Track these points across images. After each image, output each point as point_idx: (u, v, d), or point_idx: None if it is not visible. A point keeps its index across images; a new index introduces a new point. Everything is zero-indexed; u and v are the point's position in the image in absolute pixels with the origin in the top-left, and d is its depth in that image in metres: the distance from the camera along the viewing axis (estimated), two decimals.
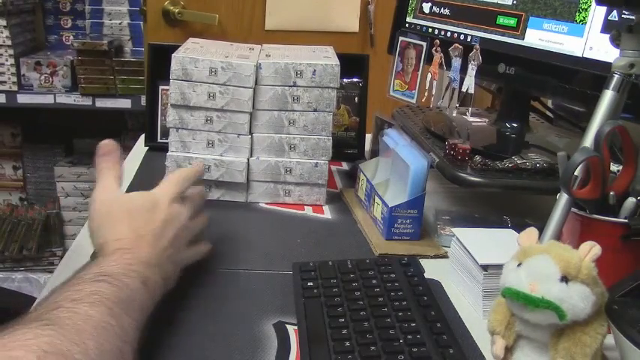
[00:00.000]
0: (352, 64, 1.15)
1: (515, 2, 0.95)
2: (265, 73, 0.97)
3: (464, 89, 0.99)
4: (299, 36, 1.67)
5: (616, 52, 0.69)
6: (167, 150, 1.00)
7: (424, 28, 1.12)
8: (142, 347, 0.63)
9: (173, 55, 0.97)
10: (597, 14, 0.83)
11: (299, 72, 0.97)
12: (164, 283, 0.66)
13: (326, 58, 1.01)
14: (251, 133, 0.99)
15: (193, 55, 0.96)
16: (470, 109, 1.06)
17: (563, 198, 0.65)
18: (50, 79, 2.29)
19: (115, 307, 0.55)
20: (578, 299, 0.54)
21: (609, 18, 0.81)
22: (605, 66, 0.70)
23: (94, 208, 0.70)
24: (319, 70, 0.97)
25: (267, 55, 1.01)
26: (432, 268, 0.81)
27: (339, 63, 0.98)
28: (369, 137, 1.22)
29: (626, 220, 0.65)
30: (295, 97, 0.98)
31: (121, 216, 0.69)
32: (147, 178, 1.09)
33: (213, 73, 0.96)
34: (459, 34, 1.04)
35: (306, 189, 1.02)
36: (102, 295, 0.55)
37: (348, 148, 1.22)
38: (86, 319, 0.52)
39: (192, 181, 0.79)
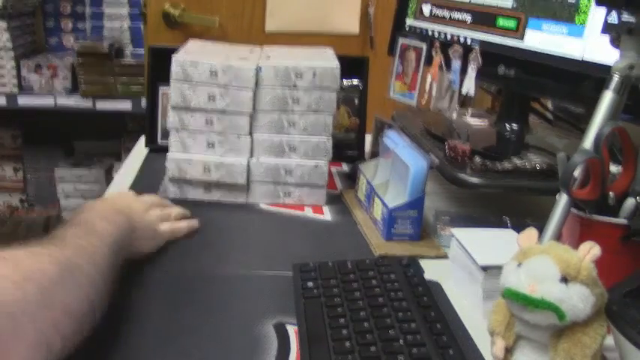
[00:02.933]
0: (352, 66, 1.15)
1: (514, 4, 0.95)
2: (265, 75, 0.97)
3: (464, 91, 0.99)
4: (299, 38, 1.67)
5: (616, 53, 0.69)
6: (167, 151, 1.00)
7: (424, 30, 1.12)
8: (143, 348, 0.63)
9: (173, 57, 0.97)
10: (597, 16, 0.83)
11: (299, 74, 0.97)
12: (128, 221, 0.76)
13: (326, 60, 1.01)
14: (251, 134, 1.00)
15: (194, 57, 0.97)
16: (470, 110, 1.06)
17: (562, 199, 0.65)
18: (51, 81, 2.29)
19: (84, 236, 0.66)
20: (577, 300, 0.54)
21: (609, 19, 0.81)
22: (605, 67, 0.70)
23: None
24: (319, 72, 0.97)
25: (267, 57, 1.01)
26: (431, 269, 0.81)
27: (339, 65, 0.98)
28: (369, 138, 1.22)
29: (626, 221, 0.65)
30: (295, 99, 0.98)
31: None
32: (147, 179, 1.09)
33: (213, 75, 0.96)
34: (459, 36, 1.04)
35: (306, 190, 1.02)
36: (72, 232, 0.66)
37: (348, 150, 1.22)
38: (63, 241, 0.62)
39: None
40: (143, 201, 0.87)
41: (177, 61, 0.96)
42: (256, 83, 0.97)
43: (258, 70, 0.97)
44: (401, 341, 0.62)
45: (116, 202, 0.81)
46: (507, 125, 1.04)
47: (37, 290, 0.52)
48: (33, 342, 0.51)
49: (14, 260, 0.53)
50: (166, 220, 0.87)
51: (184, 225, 0.89)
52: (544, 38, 0.90)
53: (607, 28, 0.80)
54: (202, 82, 0.96)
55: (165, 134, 1.07)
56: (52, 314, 0.54)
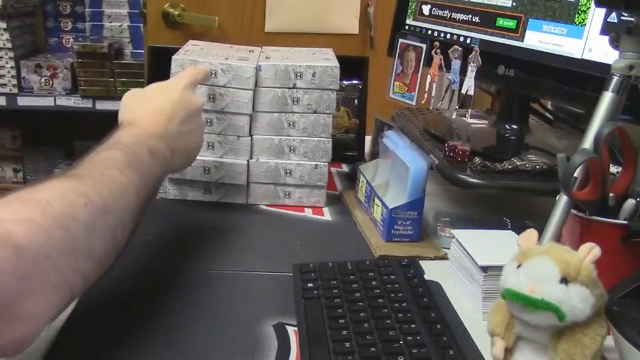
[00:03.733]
0: (352, 66, 1.15)
1: (514, 4, 0.95)
2: (265, 75, 0.97)
3: (463, 91, 0.99)
4: (299, 38, 1.68)
5: (615, 53, 0.69)
6: None
7: (424, 30, 1.12)
8: (142, 348, 0.63)
9: (173, 57, 0.97)
10: (596, 16, 0.83)
11: (299, 74, 0.97)
12: (171, 155, 0.76)
13: (326, 60, 1.01)
14: (251, 135, 0.99)
15: (193, 57, 0.97)
16: (469, 110, 1.06)
17: (562, 199, 0.65)
18: (50, 81, 2.29)
19: (125, 169, 0.66)
20: (577, 300, 0.54)
21: (608, 20, 0.81)
22: (605, 68, 0.70)
23: (122, 101, 0.83)
24: (319, 72, 0.97)
25: (266, 57, 1.01)
26: (431, 270, 0.81)
27: (338, 65, 0.98)
28: (368, 139, 1.22)
29: (626, 222, 0.65)
30: (295, 99, 0.98)
31: (137, 100, 0.82)
32: None
33: (213, 75, 0.96)
34: (459, 36, 1.04)
35: (306, 191, 1.02)
36: (115, 160, 0.66)
37: (348, 150, 1.22)
38: (102, 175, 0.63)
39: (204, 76, 0.92)
40: (187, 103, 0.83)
41: (177, 60, 0.96)
42: (256, 83, 0.97)
43: (257, 69, 0.97)
44: (401, 342, 0.62)
45: (172, 121, 0.79)
46: (507, 126, 1.04)
47: (64, 236, 0.54)
48: (55, 284, 0.52)
49: (46, 204, 0.54)
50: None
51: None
52: (544, 38, 0.90)
53: (607, 28, 0.80)
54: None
55: None
56: (76, 259, 0.55)
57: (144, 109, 0.79)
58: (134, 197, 0.65)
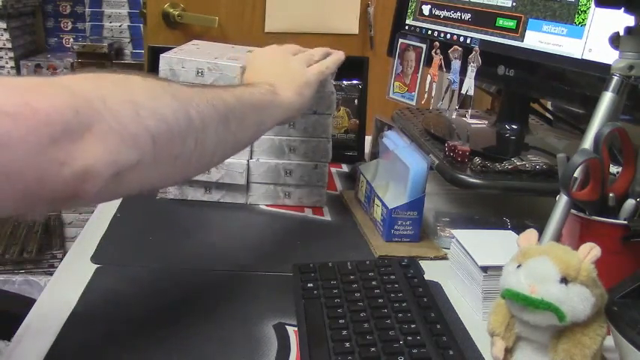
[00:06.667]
0: (352, 66, 1.15)
1: (514, 4, 0.95)
2: None
3: (463, 91, 0.99)
4: (299, 38, 1.67)
5: (615, 53, 0.69)
6: None
7: (424, 30, 1.12)
8: (142, 348, 0.63)
9: (161, 55, 0.96)
10: (596, 16, 0.83)
11: None
12: (274, 89, 0.78)
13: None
14: None
15: (181, 56, 0.96)
16: (469, 110, 1.06)
17: (562, 199, 0.65)
18: None
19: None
20: (577, 301, 0.54)
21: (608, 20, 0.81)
22: (605, 68, 0.70)
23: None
24: None
25: None
26: (431, 270, 0.81)
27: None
28: (368, 139, 1.22)
29: (626, 222, 0.65)
30: None
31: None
32: None
33: (199, 74, 0.95)
34: (459, 36, 1.04)
35: (306, 191, 1.02)
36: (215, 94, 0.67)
37: (348, 150, 1.22)
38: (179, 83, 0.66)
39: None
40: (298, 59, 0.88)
41: (165, 59, 0.95)
42: None
43: (244, 69, 0.95)
44: (401, 342, 0.62)
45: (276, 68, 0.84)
46: (507, 126, 1.04)
47: (124, 90, 0.56)
48: (114, 129, 0.52)
49: (105, 75, 0.57)
50: (310, 62, 0.89)
51: (330, 61, 0.91)
52: (544, 38, 0.90)
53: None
54: (189, 81, 0.95)
55: None
56: (137, 112, 0.55)
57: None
58: (218, 100, 0.66)
